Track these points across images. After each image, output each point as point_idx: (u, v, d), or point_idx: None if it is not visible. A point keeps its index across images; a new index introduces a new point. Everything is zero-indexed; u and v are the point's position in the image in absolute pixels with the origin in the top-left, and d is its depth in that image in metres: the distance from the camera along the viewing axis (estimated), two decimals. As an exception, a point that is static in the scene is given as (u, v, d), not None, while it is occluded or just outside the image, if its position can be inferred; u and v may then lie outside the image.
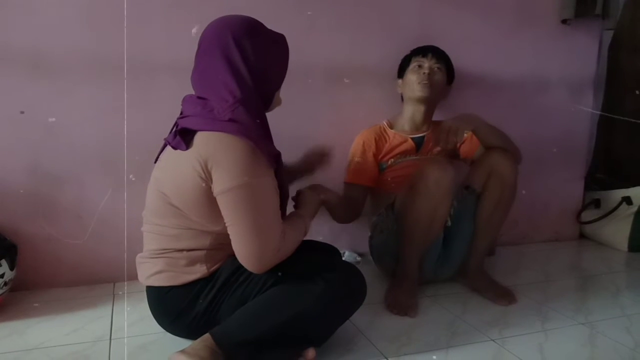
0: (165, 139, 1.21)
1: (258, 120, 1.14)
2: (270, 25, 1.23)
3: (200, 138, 1.11)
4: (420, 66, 1.79)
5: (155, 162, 1.25)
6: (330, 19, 1.86)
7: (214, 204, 1.11)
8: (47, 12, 1.57)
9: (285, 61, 1.24)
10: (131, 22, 1.64)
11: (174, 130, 1.19)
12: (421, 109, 1.81)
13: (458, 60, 1.89)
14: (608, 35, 2.36)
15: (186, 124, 1.14)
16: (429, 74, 1.76)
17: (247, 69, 1.13)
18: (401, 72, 1.86)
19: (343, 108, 1.94)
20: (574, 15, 2.14)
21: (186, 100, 1.20)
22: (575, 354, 1.30)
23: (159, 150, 1.26)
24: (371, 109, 1.93)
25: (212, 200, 1.11)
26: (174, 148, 1.13)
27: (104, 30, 1.62)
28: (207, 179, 1.09)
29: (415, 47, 1.85)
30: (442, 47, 1.83)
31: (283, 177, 1.22)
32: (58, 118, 1.62)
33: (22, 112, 1.59)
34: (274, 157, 1.15)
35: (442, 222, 1.61)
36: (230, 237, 1.13)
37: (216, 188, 1.09)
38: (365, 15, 1.90)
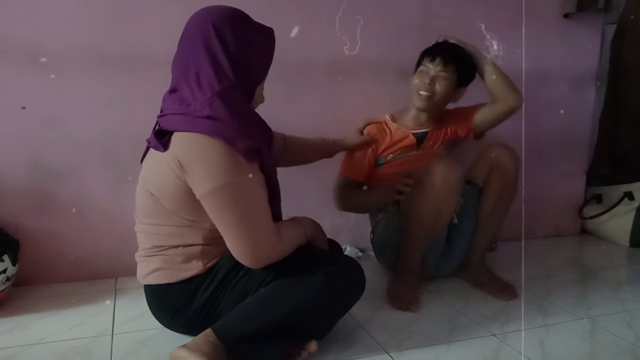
0: (147, 140, 1.21)
1: (237, 114, 1.10)
2: (269, 20, 1.22)
3: (176, 139, 1.09)
4: (425, 72, 1.69)
5: (141, 161, 1.25)
6: (330, 12, 1.85)
7: (198, 202, 1.10)
8: (46, 6, 1.56)
9: (269, 54, 1.21)
10: (130, 15, 1.64)
11: (154, 129, 1.18)
12: (423, 113, 1.75)
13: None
14: (611, 29, 2.34)
15: (164, 123, 1.13)
16: (429, 84, 1.66)
17: (227, 59, 1.10)
18: (416, 66, 1.76)
19: (345, 102, 1.93)
20: (576, 9, 2.13)
21: (165, 98, 1.18)
22: (576, 348, 1.30)
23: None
24: (373, 102, 1.92)
25: (195, 200, 1.10)
26: (155, 149, 1.13)
27: (104, 23, 1.62)
28: (185, 180, 1.08)
29: (416, 40, 1.81)
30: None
31: (271, 170, 1.21)
32: (58, 112, 1.62)
33: (23, 108, 1.59)
34: (256, 152, 1.12)
35: (448, 220, 1.60)
36: (223, 237, 1.12)
37: (197, 192, 1.08)
38: (366, 8, 1.89)
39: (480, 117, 1.75)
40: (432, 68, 1.68)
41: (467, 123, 1.78)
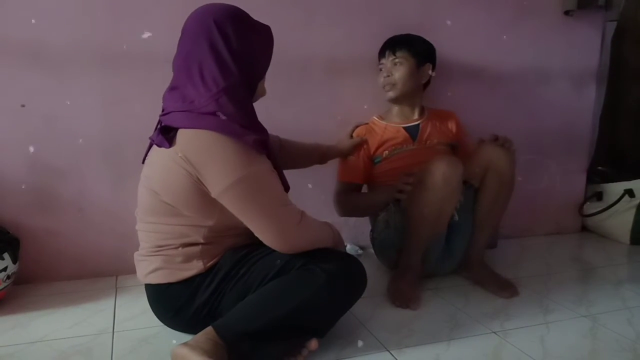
0: (150, 137, 1.21)
1: (243, 109, 1.12)
2: (269, 19, 1.22)
3: (182, 136, 1.10)
4: (383, 69, 1.78)
5: (143, 161, 1.25)
6: (328, 10, 1.84)
7: (206, 199, 1.11)
8: (46, 4, 1.56)
9: (269, 51, 1.24)
10: (131, 13, 1.63)
11: (157, 127, 1.18)
12: (401, 105, 1.81)
13: (459, 51, 1.88)
14: (611, 27, 2.34)
15: (168, 121, 1.13)
16: (387, 76, 1.75)
17: (230, 55, 1.12)
18: None
19: (342, 100, 1.93)
20: (577, 6, 2.13)
21: (166, 96, 1.18)
22: (576, 346, 1.30)
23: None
24: (371, 100, 1.92)
25: (205, 196, 1.11)
26: (159, 146, 1.13)
27: (104, 22, 1.61)
28: (197, 178, 1.09)
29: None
30: (442, 38, 1.80)
31: (276, 161, 1.22)
32: (58, 110, 1.62)
33: (22, 106, 1.59)
34: (262, 144, 1.14)
35: (449, 217, 1.60)
36: (249, 228, 1.15)
37: (213, 190, 1.09)
38: (364, 6, 1.89)
39: (466, 152, 1.79)
40: (385, 62, 1.77)
41: (460, 139, 1.86)
